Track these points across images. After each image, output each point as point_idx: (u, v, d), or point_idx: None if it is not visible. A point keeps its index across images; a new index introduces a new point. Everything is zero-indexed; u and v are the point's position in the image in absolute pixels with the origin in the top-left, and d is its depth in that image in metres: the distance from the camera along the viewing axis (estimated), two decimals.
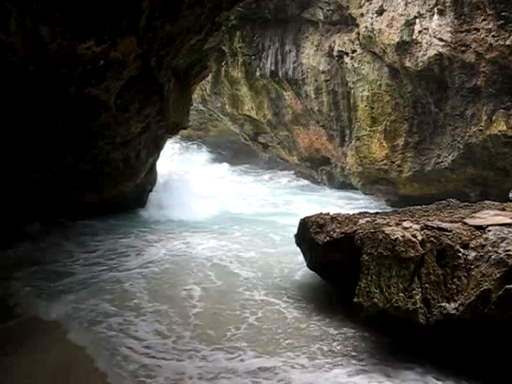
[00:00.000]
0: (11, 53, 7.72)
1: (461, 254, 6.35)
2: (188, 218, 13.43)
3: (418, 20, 13.17)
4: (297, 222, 9.01)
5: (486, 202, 8.83)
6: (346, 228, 7.78)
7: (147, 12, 8.53)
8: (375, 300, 6.50)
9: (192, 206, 13.85)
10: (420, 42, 13.09)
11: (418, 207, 8.78)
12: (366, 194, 17.21)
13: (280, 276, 9.43)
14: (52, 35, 7.70)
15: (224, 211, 14.80)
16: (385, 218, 7.78)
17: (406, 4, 13.43)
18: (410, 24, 13.31)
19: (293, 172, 22.17)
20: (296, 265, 9.71)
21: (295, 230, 9.06)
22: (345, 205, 16.29)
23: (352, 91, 15.62)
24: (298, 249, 9.06)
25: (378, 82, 14.75)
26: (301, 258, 9.11)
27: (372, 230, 7.04)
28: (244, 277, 9.40)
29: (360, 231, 7.28)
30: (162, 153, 15.01)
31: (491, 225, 6.79)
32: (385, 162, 14.99)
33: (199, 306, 8.09)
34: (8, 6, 7.12)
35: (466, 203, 8.87)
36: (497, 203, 8.54)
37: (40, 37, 7.65)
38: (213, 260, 10.27)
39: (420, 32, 13.10)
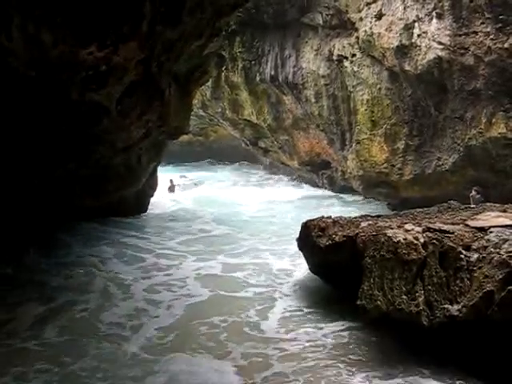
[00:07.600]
0: (13, 58, 7.74)
1: (463, 256, 6.37)
2: None
3: (416, 24, 13.21)
4: None
5: (487, 203, 8.86)
6: (348, 231, 7.79)
7: (149, 17, 8.55)
8: (378, 303, 6.51)
9: None
10: (419, 46, 13.12)
11: (420, 210, 8.80)
12: (366, 198, 17.19)
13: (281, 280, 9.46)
14: (54, 41, 7.70)
15: None
16: (386, 221, 7.81)
17: (404, 8, 13.48)
18: (408, 28, 13.35)
19: None
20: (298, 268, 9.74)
21: None
22: None
23: (352, 95, 15.65)
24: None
25: (378, 86, 14.79)
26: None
27: (374, 233, 7.07)
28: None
29: (362, 234, 7.30)
30: None
31: (493, 226, 6.81)
32: (385, 165, 15.01)
33: None
34: (10, 11, 7.14)
35: (466, 205, 8.89)
36: (498, 205, 8.56)
37: (42, 42, 7.65)
38: None
39: (419, 36, 13.13)
